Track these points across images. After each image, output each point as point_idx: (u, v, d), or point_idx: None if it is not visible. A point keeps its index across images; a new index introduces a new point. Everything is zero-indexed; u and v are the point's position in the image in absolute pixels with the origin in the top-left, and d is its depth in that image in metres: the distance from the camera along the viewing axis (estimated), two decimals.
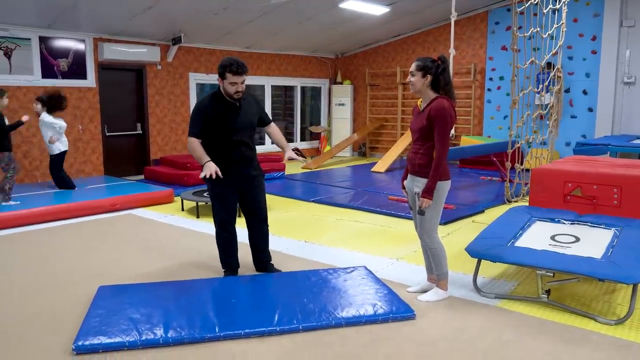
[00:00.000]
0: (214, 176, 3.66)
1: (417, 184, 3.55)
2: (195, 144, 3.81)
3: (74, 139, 8.35)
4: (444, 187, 3.51)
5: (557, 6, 7.21)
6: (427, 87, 3.46)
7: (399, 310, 3.38)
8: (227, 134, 3.84)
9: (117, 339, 2.98)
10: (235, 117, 3.86)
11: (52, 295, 3.79)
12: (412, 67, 3.49)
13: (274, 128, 4.19)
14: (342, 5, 8.89)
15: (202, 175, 3.70)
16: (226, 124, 3.83)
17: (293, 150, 4.07)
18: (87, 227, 5.79)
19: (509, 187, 7.00)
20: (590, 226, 4.15)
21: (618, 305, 3.58)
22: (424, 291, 3.80)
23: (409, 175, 3.69)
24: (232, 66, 3.68)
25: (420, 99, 3.56)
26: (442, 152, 3.40)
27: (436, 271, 3.68)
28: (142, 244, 5.15)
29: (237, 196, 4.04)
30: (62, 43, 8.09)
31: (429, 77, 3.43)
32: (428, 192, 3.43)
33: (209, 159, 3.76)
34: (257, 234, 4.17)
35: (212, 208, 4.07)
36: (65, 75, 8.15)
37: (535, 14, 7.05)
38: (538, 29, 6.84)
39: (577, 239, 3.86)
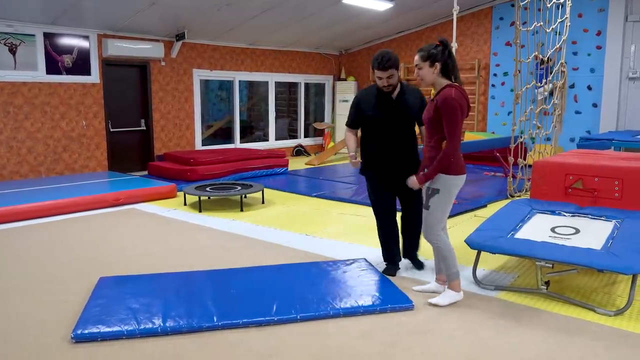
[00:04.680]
0: (357, 166, 3.95)
1: None
2: (347, 135, 4.01)
3: (79, 135, 8.40)
4: (455, 182, 3.34)
5: (562, 1, 7.18)
6: (438, 76, 3.26)
7: (397, 301, 3.38)
8: (378, 127, 3.86)
9: (116, 328, 3.00)
10: (388, 110, 3.83)
11: (54, 286, 3.82)
12: (417, 59, 3.27)
13: None
14: (345, 1, 8.87)
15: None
16: (378, 116, 3.84)
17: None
18: (91, 221, 5.82)
19: (511, 182, 6.98)
20: (591, 218, 4.13)
21: (618, 297, 3.57)
22: (430, 291, 3.62)
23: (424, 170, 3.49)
24: (376, 61, 3.69)
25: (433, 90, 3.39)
26: (452, 144, 3.21)
27: (445, 271, 3.45)
28: (144, 237, 5.17)
29: (393, 189, 4.00)
30: (67, 39, 8.13)
31: (438, 65, 3.23)
32: (424, 176, 3.30)
33: (353, 152, 3.94)
34: (408, 229, 4.15)
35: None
36: (70, 71, 8.20)
37: (539, 9, 7.02)
38: (541, 23, 6.81)
39: (577, 231, 3.85)
